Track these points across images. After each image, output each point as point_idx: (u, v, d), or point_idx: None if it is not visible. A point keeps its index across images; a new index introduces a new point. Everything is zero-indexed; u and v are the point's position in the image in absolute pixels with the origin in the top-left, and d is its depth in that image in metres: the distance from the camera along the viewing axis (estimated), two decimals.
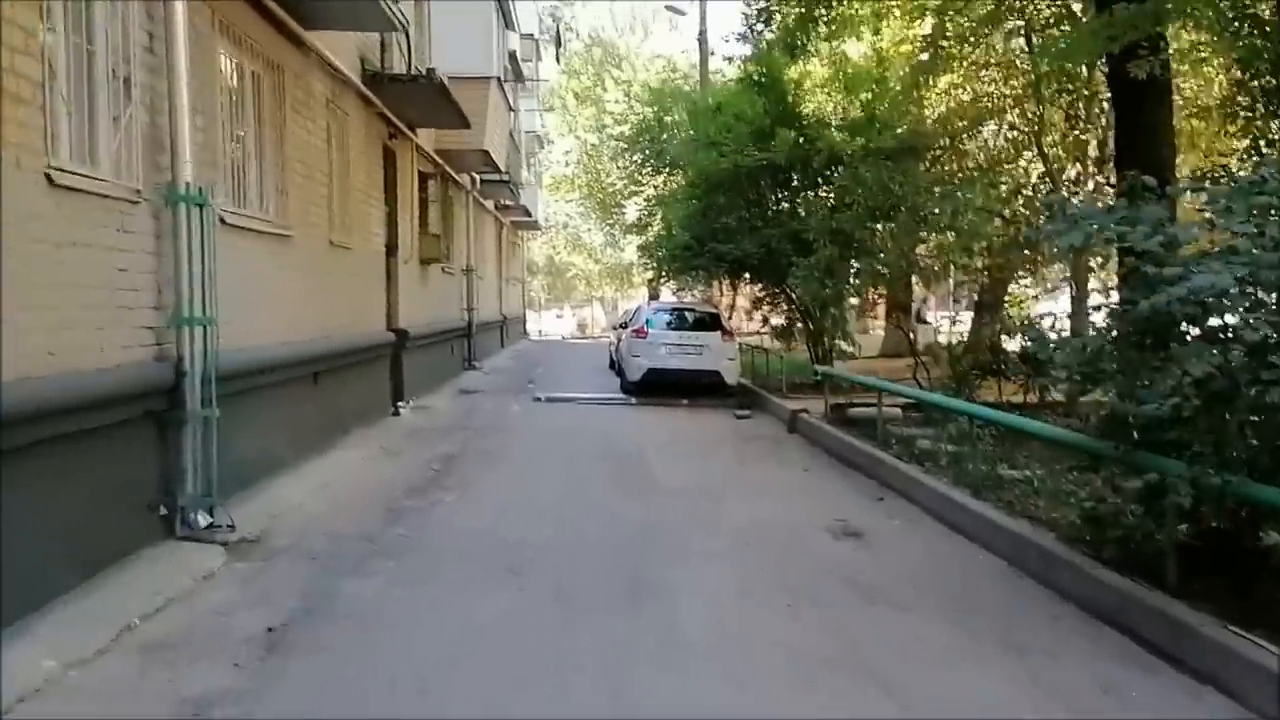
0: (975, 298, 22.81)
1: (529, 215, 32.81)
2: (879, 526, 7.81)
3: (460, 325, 20.67)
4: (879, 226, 12.78)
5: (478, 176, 21.83)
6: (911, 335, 13.18)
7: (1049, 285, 27.69)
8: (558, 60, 38.65)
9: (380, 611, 5.49)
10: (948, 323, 23.84)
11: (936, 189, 13.12)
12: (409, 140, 15.11)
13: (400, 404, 13.55)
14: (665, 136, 28.93)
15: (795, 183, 16.46)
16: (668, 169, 27.34)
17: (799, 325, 17.11)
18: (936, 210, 12.44)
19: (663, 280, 25.00)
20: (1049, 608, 5.76)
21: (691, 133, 18.32)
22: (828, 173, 15.81)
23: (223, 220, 7.54)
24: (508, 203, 29.03)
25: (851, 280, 13.56)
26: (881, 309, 25.83)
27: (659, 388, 16.63)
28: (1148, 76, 9.49)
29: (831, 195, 15.23)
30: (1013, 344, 11.43)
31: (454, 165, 18.93)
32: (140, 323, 6.36)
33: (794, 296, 16.66)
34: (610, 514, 8.01)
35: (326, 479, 8.97)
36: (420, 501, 8.35)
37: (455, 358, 20.20)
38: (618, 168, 37.29)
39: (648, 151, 28.79)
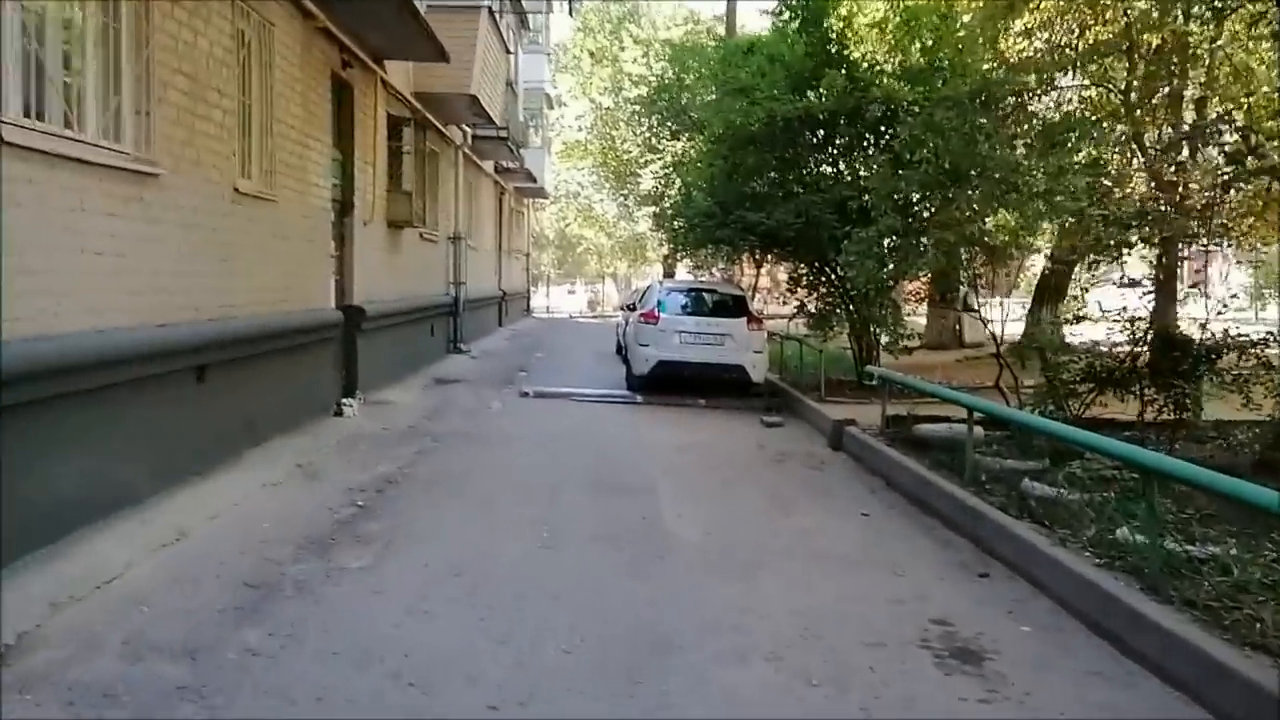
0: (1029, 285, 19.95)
1: (534, 181, 29.95)
2: (1002, 637, 5.06)
3: (444, 302, 17.95)
4: (955, 192, 9.96)
5: (468, 130, 19.02)
6: (987, 328, 10.48)
7: (1124, 275, 24.92)
8: (570, 13, 35.70)
9: None
10: (991, 312, 21.07)
11: (1033, 144, 10.23)
12: (372, 74, 12.33)
13: (346, 401, 10.85)
14: (686, 99, 26.21)
15: (843, 139, 13.60)
16: (688, 133, 24.53)
17: (840, 312, 14.30)
18: (1038, 171, 9.59)
19: (679, 255, 22.19)
20: None
21: (719, 78, 15.45)
22: (883, 128, 12.98)
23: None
24: (508, 164, 26.20)
25: (920, 258, 10.73)
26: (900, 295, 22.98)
27: (671, 383, 13.91)
28: None
29: (885, 155, 12.33)
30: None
31: (437, 112, 16.14)
32: None
33: (837, 277, 13.88)
34: (594, 611, 5.26)
35: (188, 524, 6.28)
36: (311, 569, 5.64)
37: (436, 340, 17.49)
38: (634, 134, 34.54)
39: (666, 112, 25.96)
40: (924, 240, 10.75)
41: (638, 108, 31.35)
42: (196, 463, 7.27)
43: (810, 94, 13.64)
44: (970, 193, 10.26)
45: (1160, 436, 8.59)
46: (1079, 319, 10.55)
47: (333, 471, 8.20)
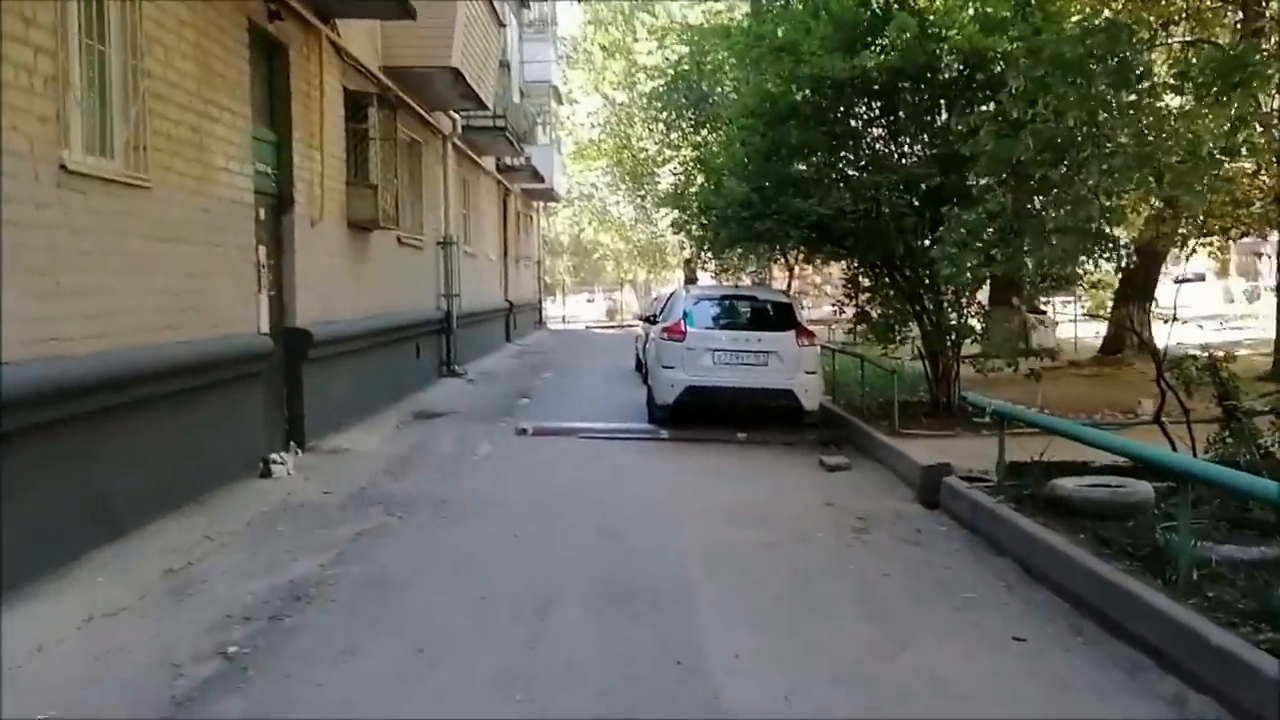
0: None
1: (541, 181, 27.32)
2: None
3: (432, 318, 15.34)
4: (1085, 159, 7.24)
5: (458, 118, 16.41)
6: (1142, 335, 7.80)
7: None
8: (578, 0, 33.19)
9: None
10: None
11: (1202, 85, 7.44)
12: (315, 33, 9.72)
13: (276, 457, 8.17)
14: (708, 85, 23.54)
15: (914, 102, 10.86)
16: (710, 123, 21.85)
17: (906, 318, 11.54)
18: (1208, 123, 6.86)
19: (705, 256, 19.46)
20: None
21: (752, 34, 12.72)
22: (973, 89, 10.24)
23: None
24: (511, 162, 23.61)
25: (1046, 248, 7.86)
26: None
27: (702, 412, 11.24)
28: None
29: (984, 116, 9.53)
30: None
31: (416, 93, 13.55)
32: None
33: (906, 276, 11.15)
34: None
35: None
36: None
37: (424, 362, 14.88)
38: (650, 130, 31.94)
39: (687, 98, 23.28)
40: (1050, 220, 7.95)
41: (655, 102, 28.72)
42: None
43: (867, 51, 10.96)
44: (1107, 165, 7.50)
45: None
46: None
47: (216, 581, 5.55)
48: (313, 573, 5.74)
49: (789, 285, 24.18)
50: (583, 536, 6.79)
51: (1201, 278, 41.12)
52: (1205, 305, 33.25)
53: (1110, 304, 18.77)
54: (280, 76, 9.09)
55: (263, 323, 8.53)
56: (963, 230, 7.53)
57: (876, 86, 11.06)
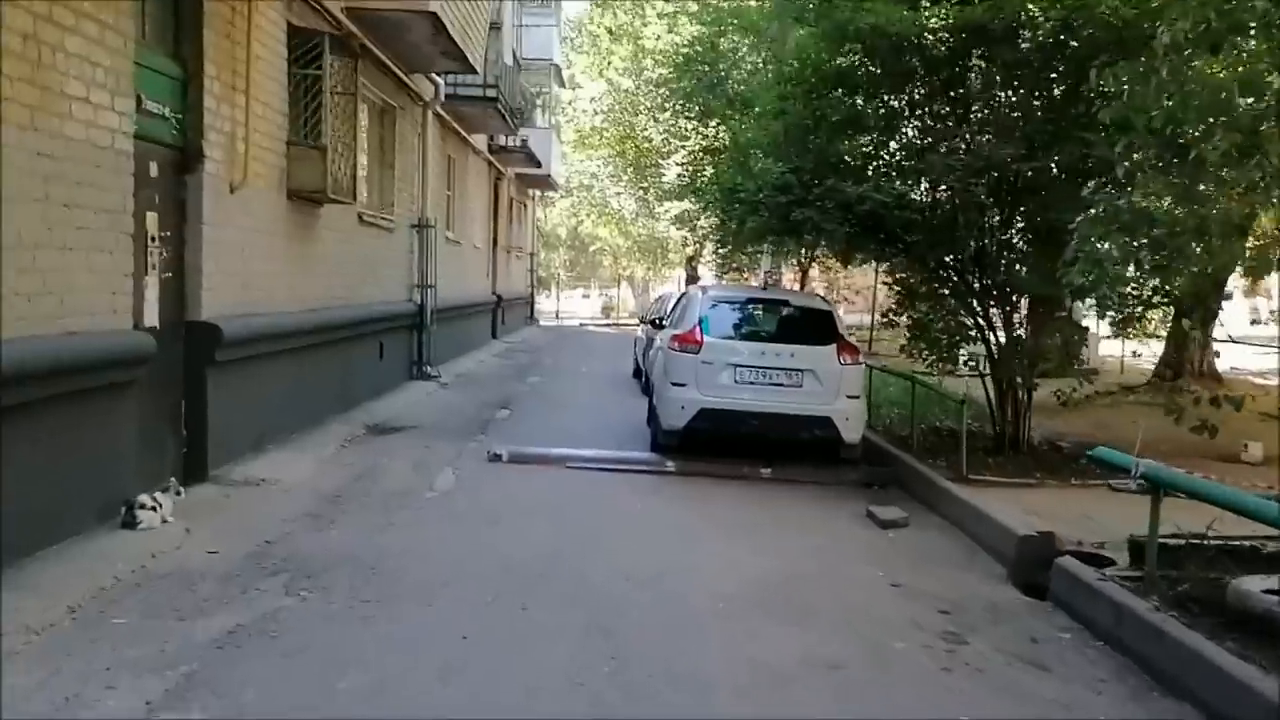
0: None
1: (538, 166, 25.14)
2: None
3: (401, 311, 13.20)
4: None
5: (440, 83, 14.24)
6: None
7: None
8: None
9: None
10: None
11: None
12: None
13: (146, 500, 5.95)
14: (724, 68, 21.47)
15: (991, 70, 8.77)
16: (728, 106, 19.75)
17: (977, 336, 9.46)
18: None
19: (722, 252, 17.32)
20: None
21: None
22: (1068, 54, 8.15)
23: None
24: (505, 143, 21.47)
25: (1224, 251, 5.73)
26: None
27: (716, 439, 9.15)
28: None
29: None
30: None
31: (388, 45, 11.40)
32: None
33: (983, 284, 9.08)
34: None
35: None
36: None
37: (390, 363, 12.74)
38: (656, 119, 29.85)
39: (702, 79, 21.17)
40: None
41: (662, 89, 26.59)
42: None
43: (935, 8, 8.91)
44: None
45: None
46: None
47: None
48: None
49: (802, 287, 22.14)
50: (562, 644, 4.66)
51: (1229, 295, 39.17)
52: (1233, 326, 31.28)
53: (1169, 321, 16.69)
54: None
55: (147, 314, 6.40)
56: (1103, 222, 5.43)
57: (946, 48, 9.00)
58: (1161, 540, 5.44)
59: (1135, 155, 5.29)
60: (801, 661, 4.63)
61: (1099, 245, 5.57)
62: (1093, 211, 5.58)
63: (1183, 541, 5.57)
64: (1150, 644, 4.76)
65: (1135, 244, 5.49)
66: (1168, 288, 7.24)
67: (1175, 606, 4.95)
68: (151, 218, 6.48)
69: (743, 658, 4.65)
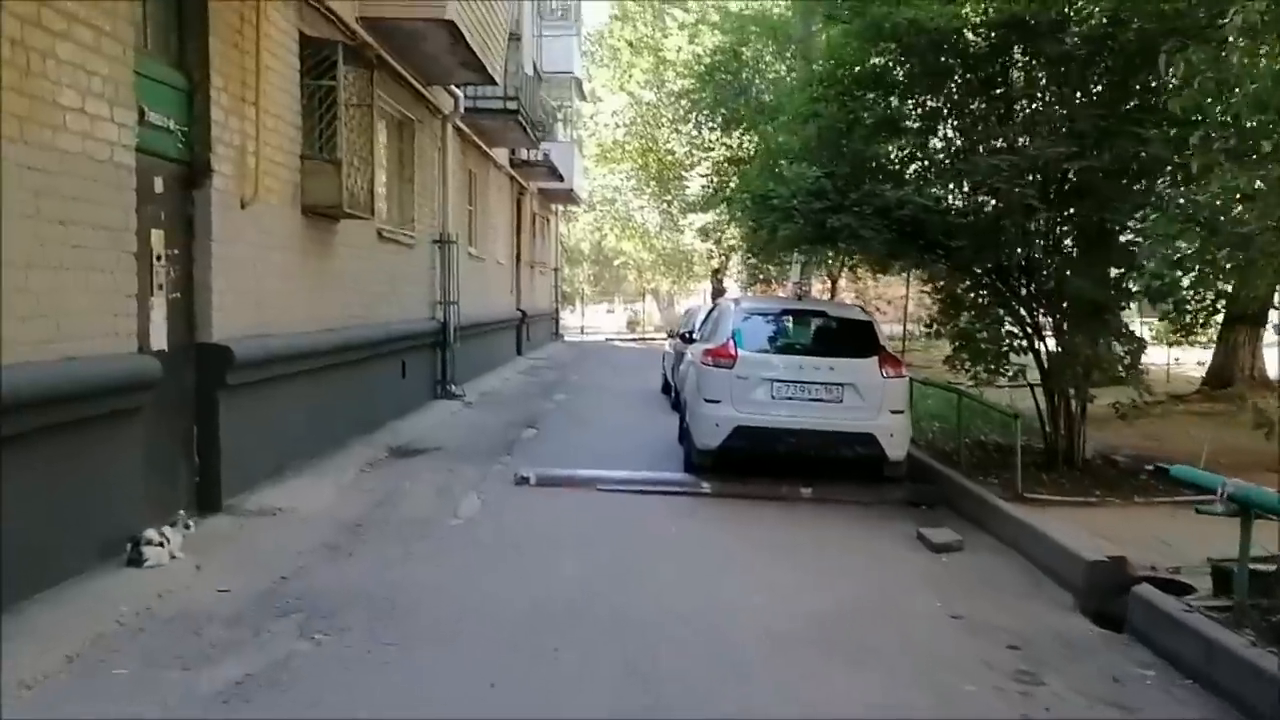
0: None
1: (561, 180, 24.83)
2: None
3: (424, 329, 12.87)
4: None
5: (460, 95, 13.93)
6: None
7: None
8: None
9: None
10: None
11: None
12: None
13: (153, 535, 5.60)
14: (748, 76, 21.10)
15: (1034, 69, 8.33)
16: (752, 114, 19.35)
17: (1027, 346, 8.97)
18: None
19: (755, 262, 16.86)
20: None
21: None
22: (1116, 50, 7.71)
23: None
24: (528, 157, 21.18)
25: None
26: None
27: (752, 458, 8.72)
28: None
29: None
30: None
31: (405, 55, 11.10)
32: None
33: (1031, 290, 8.62)
34: None
35: None
36: None
37: (415, 382, 12.41)
38: (678, 132, 29.53)
39: (724, 93, 20.79)
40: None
41: (684, 101, 26.25)
42: None
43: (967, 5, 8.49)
44: None
45: None
46: None
47: None
48: None
49: (832, 297, 21.67)
50: (598, 692, 4.25)
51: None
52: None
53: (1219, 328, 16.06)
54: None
55: (154, 336, 6.06)
56: (1178, 218, 4.95)
57: (987, 44, 8.57)
58: (1264, 568, 4.97)
59: (1214, 147, 4.83)
60: (865, 709, 4.19)
61: (1177, 245, 5.11)
62: (1162, 212, 5.13)
63: (1274, 567, 5.09)
64: (1247, 684, 4.29)
65: (1215, 243, 5.03)
66: (1244, 291, 6.72)
67: (1272, 640, 4.47)
68: (157, 235, 6.16)
69: (798, 704, 4.22)
